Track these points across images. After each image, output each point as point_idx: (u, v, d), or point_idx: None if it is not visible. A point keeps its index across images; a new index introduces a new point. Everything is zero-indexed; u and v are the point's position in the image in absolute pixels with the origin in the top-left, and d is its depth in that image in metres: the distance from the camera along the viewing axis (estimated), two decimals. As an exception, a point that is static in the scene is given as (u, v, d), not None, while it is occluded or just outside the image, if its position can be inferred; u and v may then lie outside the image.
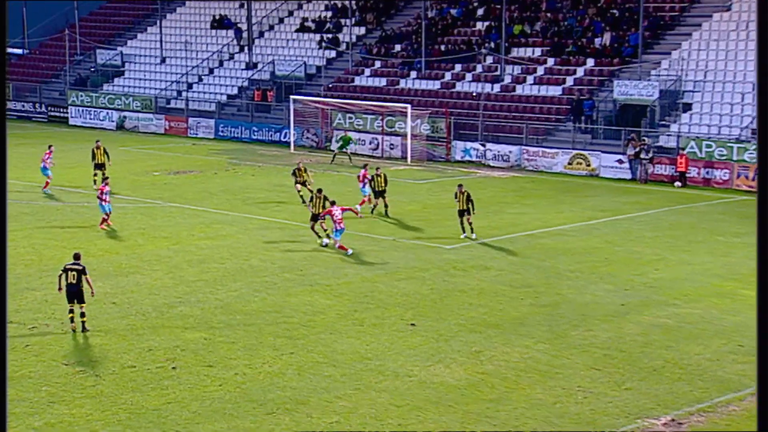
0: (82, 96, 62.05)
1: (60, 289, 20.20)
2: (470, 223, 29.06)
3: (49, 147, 37.83)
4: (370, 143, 49.36)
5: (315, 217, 28.03)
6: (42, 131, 56.89)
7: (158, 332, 20.01)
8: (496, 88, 51.01)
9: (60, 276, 20.23)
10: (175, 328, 20.33)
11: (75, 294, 20.08)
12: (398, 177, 42.22)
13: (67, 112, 61.38)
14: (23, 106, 63.59)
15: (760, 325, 6.94)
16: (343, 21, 60.51)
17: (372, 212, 32.53)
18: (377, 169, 33.55)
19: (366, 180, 33.20)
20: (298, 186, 34.53)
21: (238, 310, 21.64)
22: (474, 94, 50.71)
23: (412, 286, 23.97)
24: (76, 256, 20.66)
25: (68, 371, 17.71)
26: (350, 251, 26.83)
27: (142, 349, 18.96)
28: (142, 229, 29.88)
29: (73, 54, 67.14)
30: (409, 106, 47.55)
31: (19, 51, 74.86)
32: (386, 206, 32.71)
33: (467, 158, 46.64)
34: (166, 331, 20.12)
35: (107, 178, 31.37)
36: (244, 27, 62.82)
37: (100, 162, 37.41)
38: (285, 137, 51.64)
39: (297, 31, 62.08)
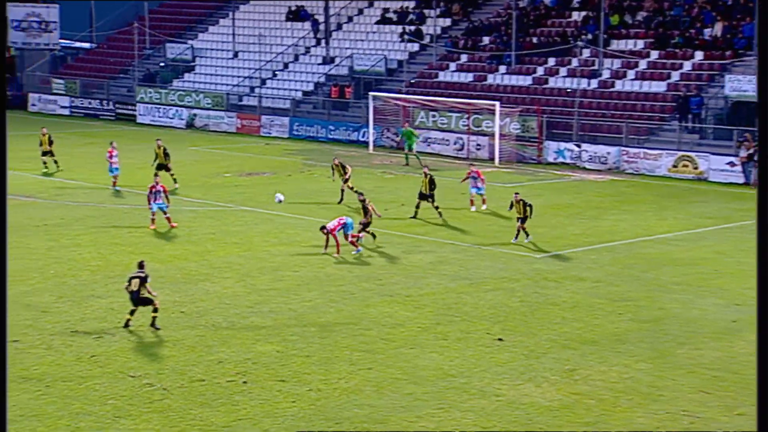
0: (150, 92, 63.31)
1: (128, 289, 21.15)
2: (524, 229, 29.47)
3: (111, 143, 38.83)
4: (455, 143, 49.28)
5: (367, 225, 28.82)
6: (109, 130, 58.15)
7: (229, 344, 20.25)
8: (593, 83, 50.46)
9: (126, 288, 20.97)
10: (246, 339, 20.55)
11: (136, 301, 20.84)
12: (485, 180, 41.99)
13: (134, 110, 62.66)
14: (90, 103, 65.15)
15: (760, 325, 7.00)
16: (427, 12, 60.56)
17: (414, 216, 32.61)
18: (425, 167, 34.32)
19: (472, 177, 34.41)
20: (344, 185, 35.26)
21: (313, 322, 21.77)
22: (569, 90, 50.26)
23: (499, 297, 23.83)
24: (141, 265, 21.24)
25: (135, 384, 18.03)
26: (359, 249, 27.74)
27: (212, 361, 19.21)
28: (212, 235, 30.31)
29: (142, 48, 68.52)
30: (497, 103, 47.32)
31: (86, 45, 76.80)
32: (437, 208, 32.61)
33: (560, 160, 46.21)
34: (237, 342, 20.35)
35: (156, 175, 32.05)
36: (322, 19, 63.33)
37: (161, 163, 38.05)
38: (363, 137, 51.86)
39: (377, 23, 62.34)
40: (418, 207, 32.79)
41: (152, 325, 20.93)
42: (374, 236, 28.84)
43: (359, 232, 28.35)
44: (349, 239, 27.79)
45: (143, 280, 20.84)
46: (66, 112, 65.69)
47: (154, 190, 30.69)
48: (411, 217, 32.63)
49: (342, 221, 27.94)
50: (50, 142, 42.37)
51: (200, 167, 43.81)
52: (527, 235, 29.41)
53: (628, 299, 23.94)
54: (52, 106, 66.66)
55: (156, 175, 37.54)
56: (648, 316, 22.70)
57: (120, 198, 36.45)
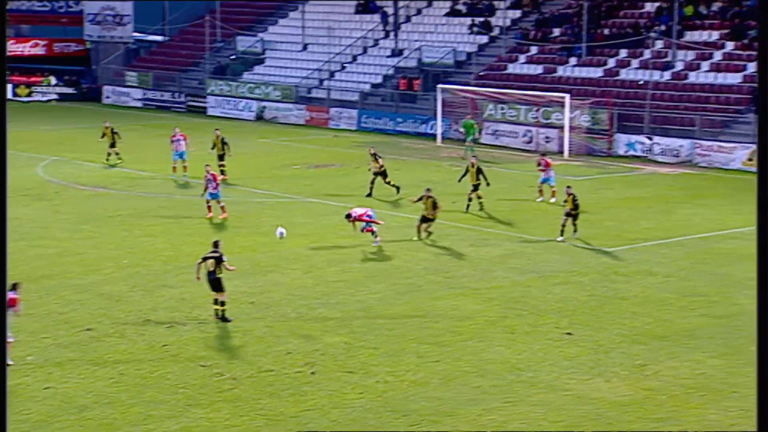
0: (221, 85, 63.93)
1: (198, 278, 21.19)
2: (575, 225, 28.74)
3: (175, 129, 39.38)
4: (524, 136, 48.99)
5: (425, 219, 28.66)
6: (180, 121, 58.80)
7: (297, 335, 20.42)
8: (666, 75, 49.76)
9: (199, 264, 21.11)
10: (314, 330, 20.70)
11: (212, 282, 21.06)
12: (555, 173, 41.69)
13: (205, 102, 63.35)
14: (162, 95, 66.02)
15: (760, 325, 6.92)
16: (496, 3, 60.23)
17: (467, 210, 32.39)
18: (473, 157, 34.56)
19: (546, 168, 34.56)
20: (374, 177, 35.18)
21: (381, 314, 21.84)
22: (640, 82, 49.64)
23: (568, 291, 23.68)
24: (215, 244, 21.61)
25: (205, 373, 18.28)
26: (378, 241, 27.59)
27: (281, 352, 19.39)
28: (282, 226, 30.50)
29: (213, 41, 69.18)
30: (567, 95, 46.94)
31: (159, 38, 77.81)
32: (479, 198, 32.48)
33: (631, 153, 45.72)
34: (305, 333, 20.51)
35: (208, 165, 32.33)
36: (391, 11, 63.36)
37: (219, 153, 38.47)
38: (432, 129, 51.78)
39: (446, 15, 62.19)
40: (470, 200, 32.56)
41: (222, 318, 21.12)
42: (430, 232, 28.67)
43: (421, 223, 28.36)
44: (366, 229, 27.80)
45: (219, 260, 21.13)
46: (138, 104, 66.67)
47: (206, 178, 31.08)
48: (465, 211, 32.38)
49: (368, 212, 28.02)
50: (114, 134, 42.67)
51: (269, 159, 44.14)
52: (575, 230, 28.68)
53: (700, 294, 23.61)
54: (125, 98, 67.71)
55: (221, 166, 38.01)
56: (721, 311, 22.37)
57: (189, 189, 36.86)
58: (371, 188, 35.34)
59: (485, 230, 30.11)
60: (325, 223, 30.97)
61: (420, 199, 29.18)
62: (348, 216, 28.02)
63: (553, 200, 34.05)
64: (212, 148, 38.87)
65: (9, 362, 17.74)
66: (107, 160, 42.47)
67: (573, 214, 28.49)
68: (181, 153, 38.68)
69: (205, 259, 21.26)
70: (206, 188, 31.08)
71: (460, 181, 33.50)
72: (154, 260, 26.16)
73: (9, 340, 17.21)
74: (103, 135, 42.99)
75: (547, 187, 34.32)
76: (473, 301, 22.87)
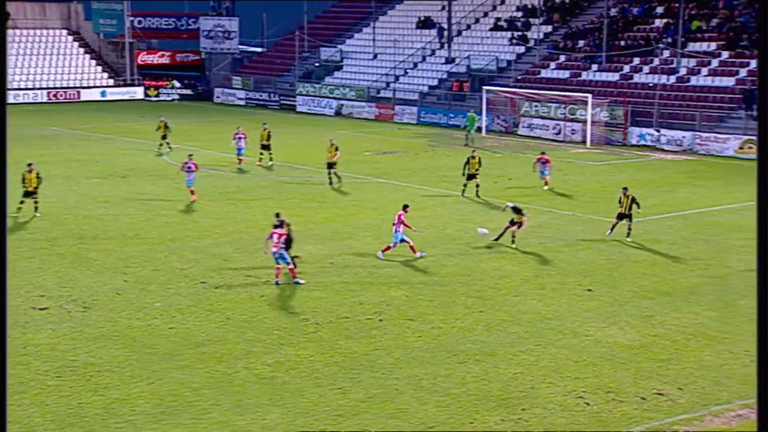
0: (307, 87, 64.03)
1: (266, 252, 20.56)
2: (629, 228, 24.70)
3: (239, 128, 38.49)
4: (554, 128, 48.33)
5: (621, 216, 24.77)
6: (275, 117, 59.12)
7: (367, 289, 20.44)
8: (672, 79, 48.69)
9: (266, 240, 20.60)
10: (381, 285, 20.70)
11: (288, 243, 20.59)
12: (578, 159, 41.19)
13: (295, 101, 63.52)
14: (260, 96, 66.35)
15: (760, 326, 6.26)
16: (532, 20, 59.37)
17: (462, 195, 30.46)
18: (473, 151, 31.22)
19: (541, 163, 31.99)
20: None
21: (435, 273, 21.77)
22: (651, 85, 48.62)
23: (589, 256, 23.37)
24: (278, 215, 21.25)
25: (294, 319, 18.40)
26: (421, 254, 22.94)
27: (354, 303, 19.43)
28: (356, 201, 30.56)
29: (302, 51, 69.32)
30: (590, 95, 46.22)
31: (259, 49, 78.20)
32: (477, 186, 30.26)
33: (642, 143, 44.89)
34: (374, 288, 20.52)
35: (191, 155, 30.82)
36: (445, 26, 62.80)
37: (264, 143, 37.46)
38: (478, 123, 51.30)
39: (491, 29, 61.46)
40: (465, 186, 30.42)
41: (295, 281, 20.48)
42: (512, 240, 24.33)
43: (511, 227, 24.04)
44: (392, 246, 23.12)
45: (288, 238, 20.52)
46: (242, 102, 67.10)
47: (185, 166, 29.52)
48: (461, 195, 30.33)
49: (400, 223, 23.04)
50: (166, 127, 41.17)
51: (345, 147, 44.01)
52: (628, 235, 24.82)
53: (699, 258, 23.14)
54: (231, 98, 68.17)
55: (262, 154, 37.42)
56: (715, 272, 21.90)
57: (281, 171, 37.05)
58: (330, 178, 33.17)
59: (523, 206, 29.76)
60: (391, 198, 30.88)
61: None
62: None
63: (546, 188, 31.85)
64: (261, 140, 37.46)
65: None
66: (159, 149, 41.16)
67: (627, 215, 24.69)
68: (240, 149, 37.18)
69: (273, 235, 20.42)
70: (187, 176, 29.01)
71: (464, 174, 30.52)
72: (253, 228, 26.35)
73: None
74: (158, 128, 41.73)
75: (542, 179, 31.97)
76: (511, 264, 22.67)
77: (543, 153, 33.11)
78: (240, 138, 37.82)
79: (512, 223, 24.08)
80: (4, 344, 6.31)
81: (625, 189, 25.34)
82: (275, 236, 20.57)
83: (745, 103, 44.04)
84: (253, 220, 27.45)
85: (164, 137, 41.98)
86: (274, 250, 20.47)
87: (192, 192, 29.76)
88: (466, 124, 46.29)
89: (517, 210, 24.10)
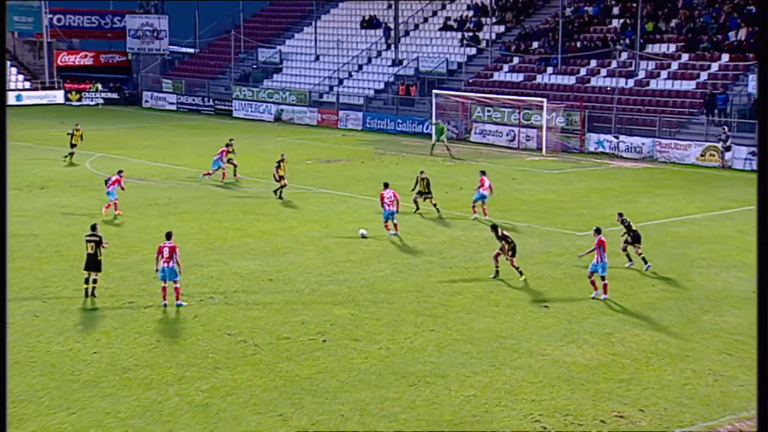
0: (244, 91, 63.79)
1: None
2: (640, 254, 23.65)
3: (230, 140, 38.04)
4: (507, 135, 48.83)
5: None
6: (209, 122, 58.79)
7: (310, 308, 20.39)
8: (630, 82, 49.60)
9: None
10: (325, 304, 20.67)
11: (93, 263, 20.65)
12: (533, 167, 41.69)
13: (231, 106, 63.20)
14: (193, 100, 65.86)
15: (760, 325, 6.55)
16: (483, 20, 60.01)
17: (415, 211, 30.22)
18: (421, 172, 30.60)
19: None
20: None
21: (383, 289, 21.81)
22: (608, 88, 49.47)
23: (545, 269, 23.62)
24: (94, 227, 21.15)
25: (231, 341, 18.26)
26: (392, 232, 26.62)
27: (296, 322, 19.36)
28: (297, 213, 30.50)
29: (238, 53, 69.08)
30: (545, 100, 46.81)
31: (191, 50, 77.65)
32: (435, 206, 29.85)
33: (600, 150, 45.57)
34: (317, 306, 20.48)
35: (121, 171, 30.49)
36: (392, 26, 63.14)
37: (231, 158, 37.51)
38: (427, 129, 51.60)
39: (440, 29, 61.97)
40: (416, 202, 30.20)
41: (92, 294, 20.53)
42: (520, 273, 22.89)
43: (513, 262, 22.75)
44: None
45: (98, 243, 20.72)
46: (173, 107, 66.54)
47: (110, 182, 29.33)
48: (415, 211, 30.14)
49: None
50: (74, 135, 40.51)
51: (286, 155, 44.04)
52: (645, 261, 23.55)
53: (660, 272, 23.55)
54: (161, 102, 67.56)
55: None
56: (677, 287, 22.32)
57: (218, 183, 36.79)
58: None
59: (478, 219, 29.99)
60: (335, 210, 30.89)
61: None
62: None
63: (485, 218, 29.54)
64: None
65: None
66: (67, 158, 40.56)
67: (631, 240, 23.70)
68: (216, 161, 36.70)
69: (87, 241, 20.63)
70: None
71: (413, 190, 30.24)
72: (186, 243, 26.08)
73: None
74: (72, 135, 40.72)
75: (479, 204, 29.76)
76: (463, 279, 22.81)
77: (483, 173, 30.27)
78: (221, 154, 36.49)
79: (501, 250, 22.58)
80: (4, 344, 6.73)
81: (621, 214, 24.54)
82: (165, 250, 20.19)
83: (706, 108, 45.06)
84: (186, 234, 27.19)
85: (73, 146, 40.60)
86: (164, 266, 20.10)
87: (115, 205, 29.37)
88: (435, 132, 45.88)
89: (494, 229, 22.94)
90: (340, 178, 37.89)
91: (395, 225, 27.02)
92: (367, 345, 18.04)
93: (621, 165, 42.52)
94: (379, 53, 63.31)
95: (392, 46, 62.39)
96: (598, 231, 21.57)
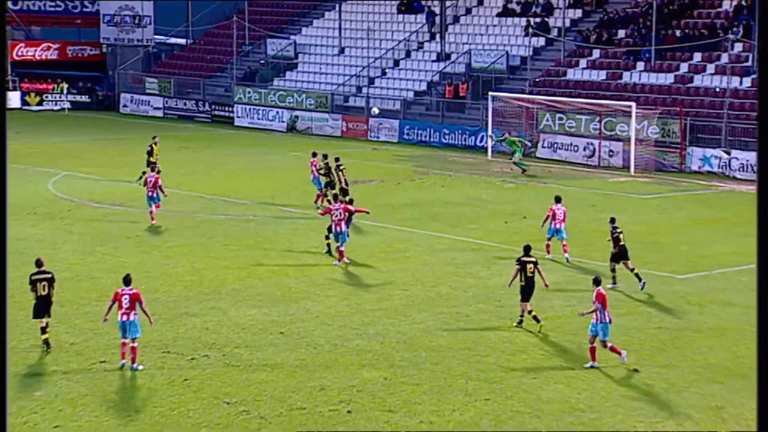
0: (249, 92, 64.39)
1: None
2: (632, 271, 25.74)
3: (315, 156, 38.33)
4: (585, 149, 48.83)
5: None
6: (205, 133, 59.37)
7: (331, 369, 20.42)
8: (746, 82, 49.39)
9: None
10: (350, 364, 20.69)
11: (44, 308, 21.04)
12: (618, 191, 41.60)
13: (232, 112, 63.75)
14: (185, 104, 66.55)
15: (760, 325, 7.44)
16: (554, 2, 60.20)
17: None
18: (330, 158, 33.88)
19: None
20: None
21: (424, 346, 21.79)
22: (717, 90, 49.32)
23: (634, 322, 23.51)
24: (39, 263, 21.45)
25: (230, 411, 18.31)
26: (339, 262, 27.88)
27: (313, 388, 19.39)
28: (314, 248, 30.61)
29: (241, 44, 69.74)
30: (634, 104, 46.79)
31: (181, 41, 78.46)
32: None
33: (707, 168, 45.41)
34: (341, 368, 20.50)
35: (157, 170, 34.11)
36: (437, 11, 63.51)
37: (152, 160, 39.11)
38: (481, 141, 51.81)
39: (499, 15, 62.25)
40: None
41: (46, 342, 21.09)
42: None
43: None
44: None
45: (51, 282, 21.10)
46: (159, 113, 67.26)
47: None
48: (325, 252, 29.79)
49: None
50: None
51: (301, 174, 44.19)
52: (639, 278, 25.82)
53: (784, 327, 23.30)
54: (144, 107, 68.34)
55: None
56: (807, 347, 22.06)
57: (213, 206, 37.04)
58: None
59: (540, 253, 29.97)
60: (364, 244, 30.97)
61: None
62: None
63: (566, 258, 29.43)
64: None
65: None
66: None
67: (618, 254, 25.91)
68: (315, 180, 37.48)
69: (34, 283, 21.02)
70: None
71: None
72: (174, 285, 26.28)
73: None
74: (150, 151, 41.19)
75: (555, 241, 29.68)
76: (527, 333, 22.75)
77: (557, 200, 29.90)
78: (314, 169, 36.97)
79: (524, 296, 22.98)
80: (5, 344, 7.94)
81: (613, 220, 26.88)
82: (125, 299, 20.30)
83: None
84: (175, 274, 27.38)
85: (151, 164, 39.87)
86: (123, 319, 20.25)
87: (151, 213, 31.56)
88: (512, 150, 45.94)
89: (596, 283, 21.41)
90: (371, 203, 37.95)
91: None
92: (403, 418, 18.01)
93: (733, 188, 42.30)
94: (420, 45, 63.70)
95: (437, 37, 62.75)
96: (597, 282, 21.10)
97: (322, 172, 36.73)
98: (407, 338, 22.33)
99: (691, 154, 46.19)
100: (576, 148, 49.09)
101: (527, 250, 23.58)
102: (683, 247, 31.24)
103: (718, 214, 36.70)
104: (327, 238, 29.44)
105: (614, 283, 26.15)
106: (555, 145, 49.87)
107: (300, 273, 27.83)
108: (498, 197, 38.88)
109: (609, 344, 20.70)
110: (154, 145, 41.04)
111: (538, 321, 22.96)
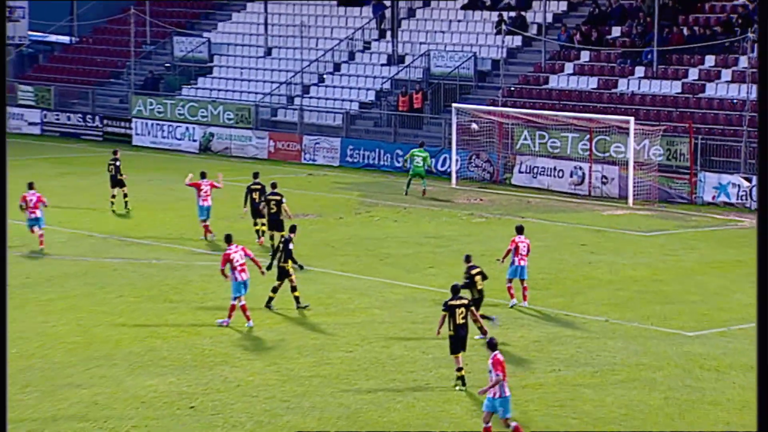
0: (152, 104, 64.12)
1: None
2: (476, 322, 25.50)
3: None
4: (572, 175, 48.97)
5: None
6: (95, 155, 58.85)
7: (255, 452, 20.30)
8: (768, 91, 49.94)
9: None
10: (279, 447, 20.57)
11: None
12: (614, 227, 41.80)
13: (130, 128, 63.40)
14: (69, 118, 66.07)
15: (760, 325, 8.35)
16: (533, -8, 60.55)
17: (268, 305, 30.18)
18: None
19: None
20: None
21: (373, 422, 21.73)
22: (734, 102, 49.82)
23: (635, 392, 23.58)
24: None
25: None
26: (250, 323, 27.86)
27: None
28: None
29: (141, 43, 69.55)
30: (632, 119, 47.05)
31: (65, 40, 78.06)
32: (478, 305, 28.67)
33: (723, 199, 45.71)
34: (267, 451, 20.39)
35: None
36: (387, 3, 63.58)
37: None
38: (444, 165, 51.86)
39: (464, 8, 62.49)
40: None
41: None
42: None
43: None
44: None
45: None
46: (36, 130, 66.71)
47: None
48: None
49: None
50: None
51: (217, 207, 44.06)
52: (482, 331, 25.68)
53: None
54: (16, 121, 67.58)
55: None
56: None
57: (106, 248, 36.78)
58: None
59: (517, 306, 30.02)
60: (300, 294, 30.83)
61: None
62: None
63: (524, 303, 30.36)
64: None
65: None
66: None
67: (473, 301, 26.00)
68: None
69: None
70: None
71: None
72: (54, 349, 25.97)
73: None
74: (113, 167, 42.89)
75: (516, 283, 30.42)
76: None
77: (519, 231, 30.88)
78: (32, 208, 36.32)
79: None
80: (5, 344, 9.25)
81: (468, 258, 27.62)
82: None
83: None
84: (54, 335, 27.12)
85: (118, 184, 42.77)
86: None
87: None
88: (408, 166, 47.03)
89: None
90: (306, 243, 37.87)
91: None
92: None
93: (755, 224, 42.60)
94: (367, 45, 63.83)
95: (388, 34, 62.86)
96: (492, 346, 21.14)
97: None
98: (351, 413, 22.25)
99: (704, 181, 46.48)
100: (561, 174, 49.24)
101: (455, 291, 23.79)
102: (694, 297, 31.41)
103: (737, 256, 36.92)
104: (274, 291, 29.48)
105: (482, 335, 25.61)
106: (535, 170, 50.00)
107: (216, 332, 27.65)
108: (464, 234, 38.90)
109: (513, 423, 20.60)
110: (117, 161, 42.72)
111: (464, 384, 23.23)
